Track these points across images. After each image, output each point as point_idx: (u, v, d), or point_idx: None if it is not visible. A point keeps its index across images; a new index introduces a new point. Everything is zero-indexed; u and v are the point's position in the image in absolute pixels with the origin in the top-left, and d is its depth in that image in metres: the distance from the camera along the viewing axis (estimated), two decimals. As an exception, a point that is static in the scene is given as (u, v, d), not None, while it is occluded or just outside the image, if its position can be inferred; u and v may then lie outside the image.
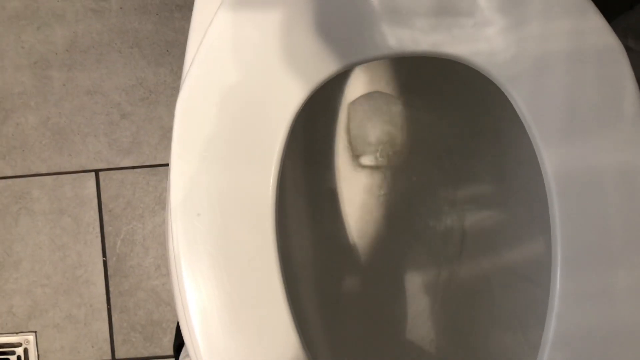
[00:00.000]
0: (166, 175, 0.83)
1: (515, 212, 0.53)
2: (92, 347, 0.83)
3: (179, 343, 0.64)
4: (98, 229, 0.82)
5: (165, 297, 0.82)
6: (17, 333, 0.82)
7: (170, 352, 0.82)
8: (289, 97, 0.40)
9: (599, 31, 0.39)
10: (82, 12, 0.82)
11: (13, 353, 0.83)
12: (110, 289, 0.82)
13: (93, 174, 0.82)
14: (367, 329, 0.56)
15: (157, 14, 0.83)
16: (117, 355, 0.83)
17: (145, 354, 0.82)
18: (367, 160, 0.59)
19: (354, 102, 0.59)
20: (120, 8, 0.82)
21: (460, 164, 0.57)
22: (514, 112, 0.41)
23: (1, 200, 0.82)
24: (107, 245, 0.82)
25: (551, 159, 0.40)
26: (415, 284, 0.58)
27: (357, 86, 0.59)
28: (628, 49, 0.54)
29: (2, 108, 0.82)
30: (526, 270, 0.52)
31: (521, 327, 0.51)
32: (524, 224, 0.52)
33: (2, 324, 0.83)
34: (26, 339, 0.82)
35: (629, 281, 0.39)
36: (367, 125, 0.58)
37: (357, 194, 0.60)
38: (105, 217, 0.82)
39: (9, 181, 0.82)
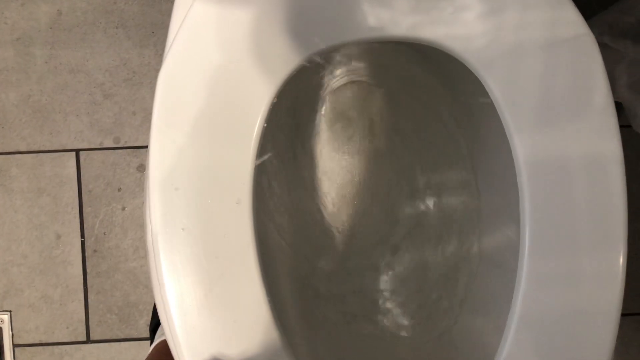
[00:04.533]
0: (146, 156, 0.82)
1: (489, 199, 0.54)
2: (67, 327, 0.82)
3: (155, 324, 0.65)
4: (77, 209, 0.82)
5: (142, 279, 0.82)
6: (-9, 311, 0.82)
7: (146, 334, 0.82)
8: (271, 76, 0.41)
9: (573, 23, 0.39)
10: (67, -10, 0.82)
11: (-13, 331, 0.82)
12: (88, 270, 0.82)
13: (74, 153, 0.82)
14: (342, 313, 0.56)
15: (146, 2, 0.82)
16: (92, 336, 0.82)
17: (121, 336, 0.82)
18: (347, 145, 0.59)
19: (335, 91, 0.59)
20: (106, -12, 0.82)
21: (436, 150, 0.58)
22: (488, 99, 0.42)
23: (-21, 177, 0.82)
24: (85, 225, 0.82)
25: (522, 146, 0.41)
26: (389, 269, 0.58)
27: (338, 76, 0.59)
28: (603, 46, 0.55)
29: (-17, 84, 0.82)
30: (498, 257, 0.53)
31: (492, 313, 0.51)
32: (497, 211, 0.53)
33: (-24, 302, 0.82)
34: (1, 319, 0.82)
35: (593, 265, 0.40)
36: (347, 112, 0.58)
37: (336, 179, 0.60)
38: (84, 198, 0.82)
39: (-12, 158, 0.82)
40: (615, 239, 0.40)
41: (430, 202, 0.59)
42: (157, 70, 0.81)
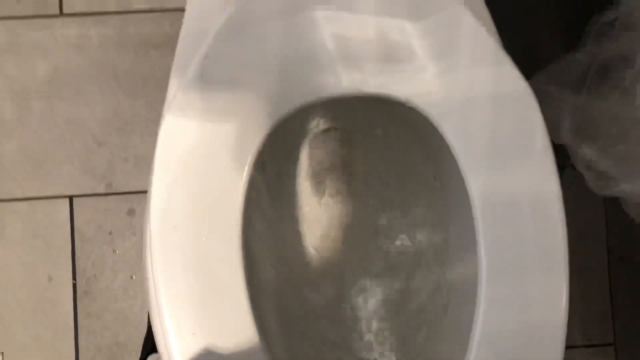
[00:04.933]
0: (137, 201, 0.87)
1: (456, 234, 0.60)
2: (58, 368, 0.85)
3: (145, 355, 0.68)
4: (69, 252, 0.86)
5: (132, 319, 0.85)
6: (-17, 354, 0.84)
7: (135, 373, 0.85)
8: (257, 128, 0.47)
9: (514, 78, 0.46)
10: (63, 46, 0.88)
11: (-22, 374, 0.84)
12: (78, 310, 0.85)
13: (67, 199, 0.86)
14: (324, 340, 0.61)
15: (134, 51, 0.89)
16: (82, 376, 0.85)
17: (110, 376, 0.85)
18: (326, 187, 0.65)
19: (315, 137, 0.65)
20: (100, 44, 0.88)
21: (409, 190, 0.64)
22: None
23: (-25, 223, 0.85)
24: (77, 268, 0.86)
25: (476, 185, 0.47)
26: (368, 299, 0.63)
27: (318, 123, 0.65)
28: (549, 95, 0.63)
29: (-18, 135, 0.86)
30: (464, 287, 0.58)
31: (459, 337, 0.56)
32: (463, 245, 0.59)
33: (-32, 345, 0.84)
34: (-8, 360, 0.84)
35: (541, 289, 0.46)
36: (326, 157, 0.64)
37: (317, 217, 0.66)
38: (77, 241, 0.86)
39: (-16, 205, 0.86)
40: (558, 266, 0.46)
41: (404, 239, 0.65)
42: (147, 119, 0.87)
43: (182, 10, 0.87)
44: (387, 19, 0.46)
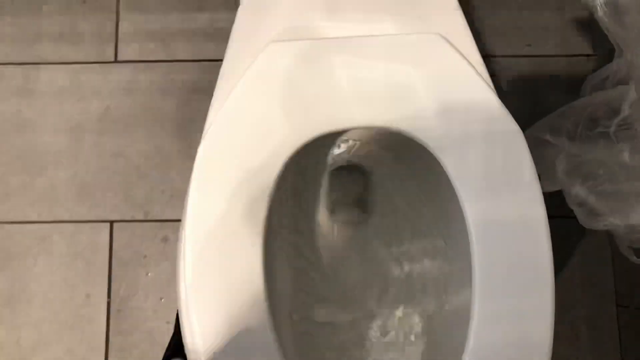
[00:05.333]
0: (171, 229, 0.95)
1: (458, 263, 0.66)
2: (87, 382, 0.91)
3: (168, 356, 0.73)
4: (106, 273, 0.94)
5: (159, 339, 0.92)
6: (21, 364, 0.91)
7: (158, 390, 0.90)
8: (283, 149, 0.55)
9: (505, 120, 0.54)
10: (116, 89, 0.99)
11: (14, 383, 0.91)
12: (111, 328, 0.92)
13: (108, 224, 0.95)
14: (330, 348, 0.66)
15: (177, 96, 0.99)
16: (109, 391, 0.91)
17: (135, 391, 0.91)
18: (342, 217, 0.72)
19: (334, 171, 0.73)
20: (148, 88, 0.99)
21: (417, 222, 0.71)
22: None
23: (25, 242, 0.94)
24: (112, 288, 0.93)
25: (471, 211, 0.53)
26: (375, 320, 0.69)
27: (337, 158, 0.73)
28: (547, 141, 0.70)
29: (40, 163, 0.97)
30: (464, 311, 0.64)
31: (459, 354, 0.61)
32: (463, 272, 0.65)
33: (7, 354, 0.91)
34: (28, 370, 0.91)
35: (529, 304, 0.51)
36: (344, 189, 0.72)
37: (333, 245, 0.72)
38: (114, 263, 0.94)
39: (35, 226, 0.95)
40: (544, 284, 0.51)
41: (414, 265, 0.71)
42: (185, 156, 0.96)
43: (220, 60, 0.98)
44: (395, 65, 0.54)
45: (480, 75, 0.55)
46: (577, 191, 0.64)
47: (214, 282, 0.51)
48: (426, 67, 0.54)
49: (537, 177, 0.53)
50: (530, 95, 0.97)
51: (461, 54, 0.54)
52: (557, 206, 0.66)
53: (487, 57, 0.99)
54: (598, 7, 0.65)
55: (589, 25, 1.00)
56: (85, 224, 0.95)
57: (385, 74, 0.54)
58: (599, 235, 0.93)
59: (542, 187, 0.52)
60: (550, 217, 0.52)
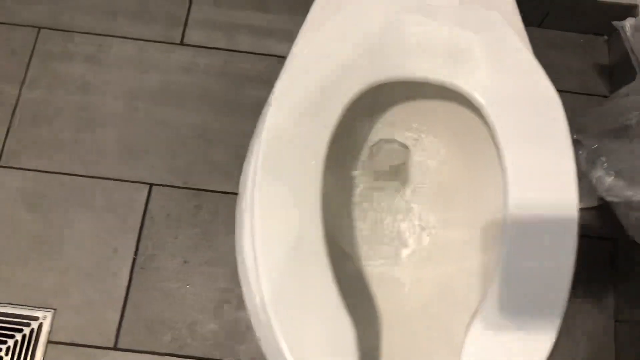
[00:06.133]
0: (205, 199, 0.99)
1: (483, 231, 0.69)
2: (100, 333, 0.92)
3: None
4: (137, 231, 0.97)
5: (177, 301, 0.94)
6: (38, 307, 0.93)
7: (168, 351, 0.91)
8: (344, 95, 0.61)
9: (546, 85, 0.60)
10: (175, 68, 1.07)
11: (28, 325, 0.92)
12: (132, 283, 0.94)
13: (147, 186, 1.00)
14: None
15: (231, 81, 1.06)
16: (120, 344, 0.91)
17: (146, 349, 0.91)
18: (382, 183, 0.77)
19: (375, 144, 0.78)
20: (205, 71, 1.07)
21: (449, 193, 0.75)
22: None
23: (66, 192, 0.99)
24: (140, 246, 0.96)
25: (509, 157, 0.58)
26: (400, 275, 0.72)
27: (377, 132, 0.79)
28: (577, 141, 0.75)
29: (93, 123, 1.03)
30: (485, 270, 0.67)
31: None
32: (486, 240, 0.68)
33: (27, 296, 0.93)
34: (44, 314, 0.92)
35: (553, 242, 0.55)
36: (384, 159, 0.77)
37: (370, 210, 0.77)
38: (146, 222, 0.97)
39: (78, 178, 1.00)
40: (570, 225, 0.55)
41: (439, 230, 0.74)
42: (229, 135, 1.02)
43: (277, 56, 1.06)
44: (458, 29, 0.61)
45: (529, 50, 0.61)
46: (598, 174, 0.69)
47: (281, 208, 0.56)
48: (485, 36, 0.61)
49: (570, 136, 0.58)
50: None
51: (515, 31, 0.61)
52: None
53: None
54: (627, 28, 0.73)
55: (609, 70, 1.09)
56: (125, 183, 1.00)
57: (449, 35, 0.61)
58: (601, 251, 0.97)
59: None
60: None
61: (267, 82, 1.05)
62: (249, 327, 0.93)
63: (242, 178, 0.66)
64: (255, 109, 1.03)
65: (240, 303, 0.94)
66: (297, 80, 0.61)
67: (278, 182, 0.56)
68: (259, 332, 0.58)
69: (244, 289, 0.60)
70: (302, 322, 0.52)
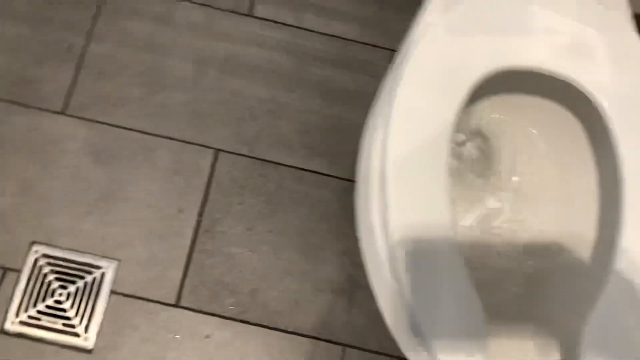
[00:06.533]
0: (270, 169, 1.02)
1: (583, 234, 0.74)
2: (161, 289, 0.93)
3: None
4: (203, 193, 0.98)
5: (239, 265, 0.95)
6: (103, 257, 0.93)
7: (228, 314, 0.92)
8: (469, 79, 0.65)
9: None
10: (244, 39, 1.08)
11: (91, 273, 0.92)
12: (196, 245, 0.96)
13: (213, 151, 1.01)
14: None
15: (299, 58, 1.09)
16: (181, 302, 0.92)
17: (206, 310, 0.93)
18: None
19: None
20: (274, 45, 1.09)
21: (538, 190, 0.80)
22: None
23: (132, 148, 0.99)
24: (205, 208, 0.98)
25: (625, 152, 0.64)
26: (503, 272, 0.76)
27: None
28: None
29: (161, 83, 1.03)
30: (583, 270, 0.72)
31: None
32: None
33: (92, 245, 0.93)
34: (108, 264, 0.92)
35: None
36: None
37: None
38: (212, 185, 0.99)
39: (145, 136, 1.00)
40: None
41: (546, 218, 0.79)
42: (296, 110, 1.04)
43: (343, 38, 1.09)
44: (582, 25, 0.66)
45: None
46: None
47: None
48: (608, 34, 0.66)
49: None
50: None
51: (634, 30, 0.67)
52: None
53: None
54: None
55: None
56: (192, 146, 1.01)
57: (573, 30, 0.66)
58: None
59: None
60: None
61: (332, 62, 1.10)
62: (309, 300, 0.95)
63: (364, 143, 0.68)
64: (320, 88, 1.07)
65: (302, 275, 0.96)
66: (428, 58, 0.65)
67: (407, 162, 0.60)
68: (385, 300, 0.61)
69: (370, 265, 0.63)
70: (435, 294, 0.56)
